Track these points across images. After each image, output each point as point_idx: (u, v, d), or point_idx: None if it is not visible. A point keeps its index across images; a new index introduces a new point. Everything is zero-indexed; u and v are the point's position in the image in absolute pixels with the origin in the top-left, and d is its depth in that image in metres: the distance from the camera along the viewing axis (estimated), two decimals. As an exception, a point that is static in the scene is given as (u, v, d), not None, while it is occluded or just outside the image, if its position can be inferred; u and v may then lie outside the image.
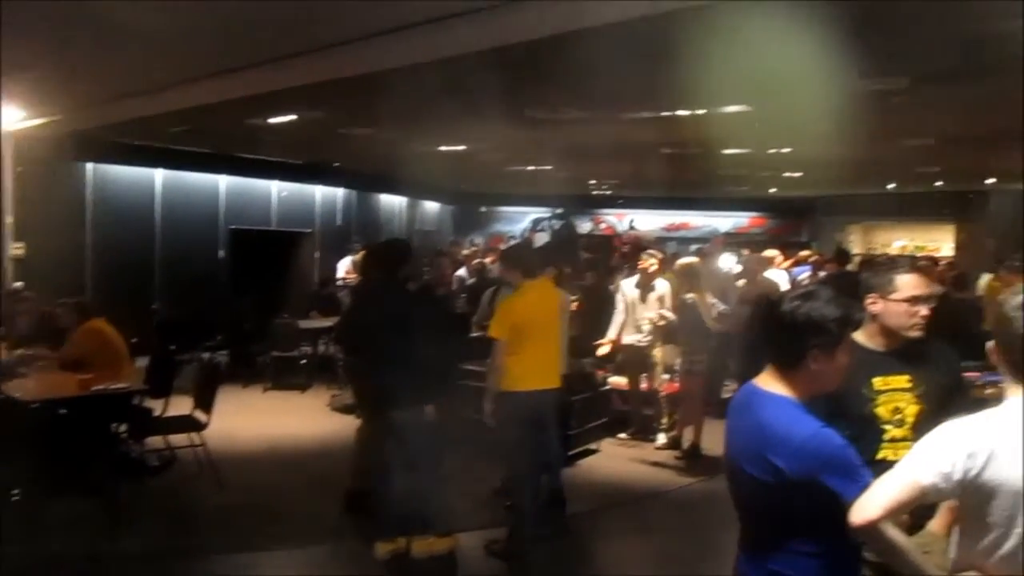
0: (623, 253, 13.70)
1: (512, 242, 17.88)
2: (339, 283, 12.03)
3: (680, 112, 7.47)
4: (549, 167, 13.23)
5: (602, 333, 7.80)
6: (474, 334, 7.36)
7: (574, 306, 7.62)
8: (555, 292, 5.30)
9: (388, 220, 16.72)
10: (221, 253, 12.00)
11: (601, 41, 4.63)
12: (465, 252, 13.99)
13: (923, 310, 2.60)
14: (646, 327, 7.35)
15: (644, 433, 7.60)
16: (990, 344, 1.95)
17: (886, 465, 2.02)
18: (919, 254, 15.93)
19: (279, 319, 10.03)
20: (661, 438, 7.44)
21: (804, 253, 11.75)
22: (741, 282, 8.62)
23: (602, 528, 5.65)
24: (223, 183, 12.07)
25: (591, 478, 6.57)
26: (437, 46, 4.96)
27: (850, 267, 10.22)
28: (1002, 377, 1.94)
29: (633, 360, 7.59)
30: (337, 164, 13.49)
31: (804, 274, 10.08)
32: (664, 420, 7.51)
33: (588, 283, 9.86)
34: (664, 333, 7.25)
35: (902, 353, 2.62)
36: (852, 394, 2.49)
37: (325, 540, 5.18)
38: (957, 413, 1.97)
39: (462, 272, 11.78)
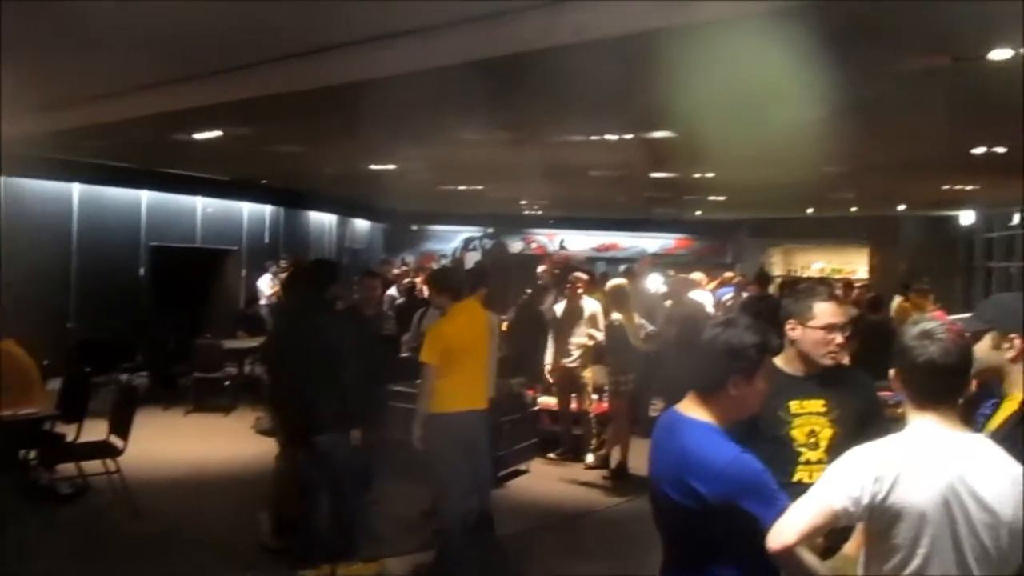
0: (552, 273, 13.81)
1: (443, 261, 17.89)
2: (264, 302, 11.79)
3: (608, 136, 7.61)
4: (480, 187, 13.29)
5: (532, 353, 7.84)
6: (404, 354, 7.32)
7: (504, 326, 7.66)
8: (484, 314, 5.32)
9: (317, 238, 16.49)
10: (142, 271, 11.61)
11: (530, 66, 4.70)
12: (396, 271, 13.88)
13: (838, 338, 2.71)
14: (575, 348, 7.43)
15: (574, 453, 7.65)
16: (892, 371, 2.05)
17: (802, 487, 2.08)
18: (836, 276, 16.56)
19: (202, 339, 9.76)
20: (590, 458, 7.50)
21: (728, 274, 12.07)
22: (668, 303, 8.80)
23: (531, 549, 5.64)
24: (145, 199, 11.71)
25: (520, 499, 6.57)
26: (369, 66, 4.95)
27: (771, 289, 10.54)
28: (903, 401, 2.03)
29: (563, 380, 7.65)
30: (265, 181, 13.26)
31: (727, 295, 10.35)
32: (593, 440, 7.58)
33: (518, 303, 9.90)
34: (593, 353, 7.34)
35: (818, 378, 2.72)
36: (769, 417, 2.57)
37: (247, 569, 5.02)
38: (872, 436, 2.05)
39: (392, 291, 11.68)
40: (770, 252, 19.23)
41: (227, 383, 9.57)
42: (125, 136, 7.94)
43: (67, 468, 5.91)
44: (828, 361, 2.70)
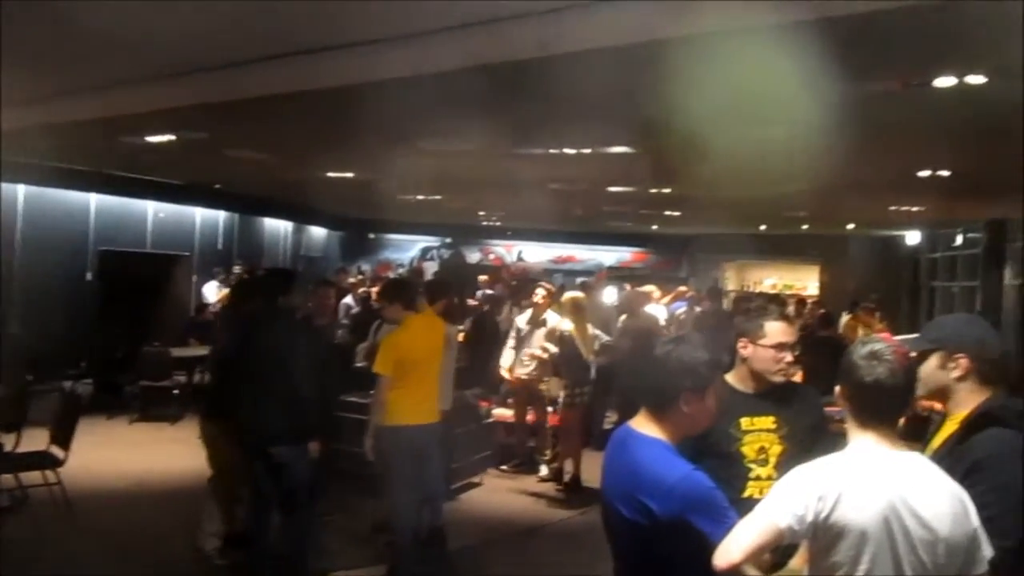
0: (509, 285, 13.83)
1: (400, 271, 17.80)
2: (213, 309, 11.58)
3: (567, 150, 7.67)
4: (439, 197, 13.27)
5: (488, 364, 7.83)
6: (359, 364, 7.24)
7: (460, 337, 7.63)
8: (439, 325, 5.29)
9: (272, 245, 16.28)
10: (89, 275, 11.32)
11: (492, 79, 4.72)
12: (352, 280, 13.76)
13: (788, 356, 2.76)
14: (528, 360, 7.43)
15: (528, 465, 7.65)
16: (838, 387, 2.09)
17: (752, 503, 2.11)
18: (788, 292, 16.89)
19: (150, 346, 9.54)
20: (543, 470, 7.51)
21: (681, 289, 12.21)
22: (622, 316, 8.88)
23: (484, 562, 5.62)
24: (94, 202, 11.44)
25: (473, 512, 6.54)
26: (326, 74, 4.92)
27: (724, 304, 10.71)
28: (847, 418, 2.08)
29: (520, 392, 7.65)
30: (219, 186, 13.05)
31: (681, 309, 10.47)
32: (547, 452, 7.59)
33: (475, 314, 9.90)
34: (547, 366, 7.34)
35: (768, 395, 2.77)
36: (720, 433, 2.61)
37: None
38: (820, 451, 2.10)
39: (349, 300, 11.57)
40: (724, 267, 19.54)
41: (175, 392, 9.36)
42: (74, 138, 7.76)
43: (5, 479, 5.71)
44: (779, 379, 2.76)
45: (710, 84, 4.53)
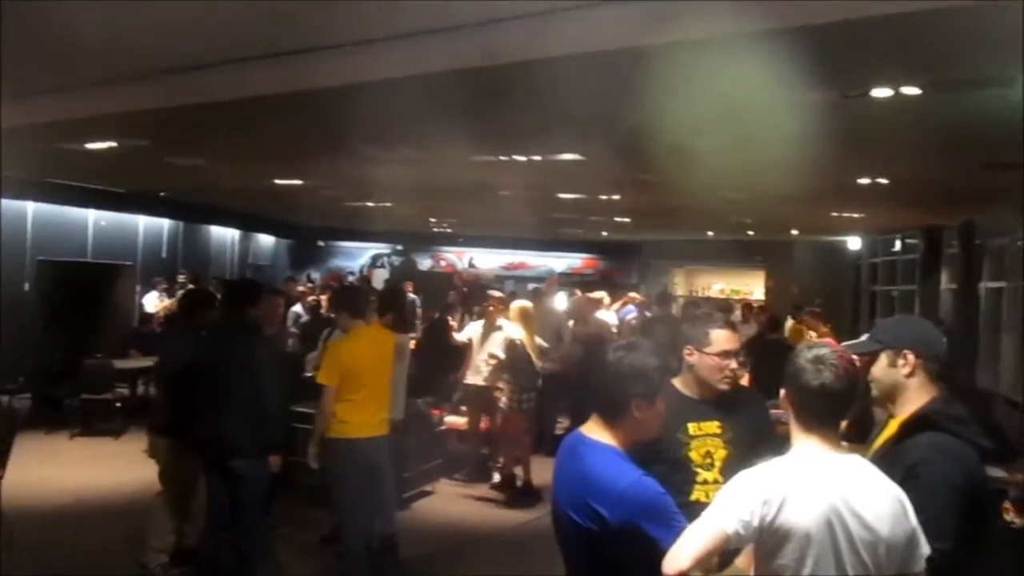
0: (461, 292, 13.83)
1: (350, 279, 17.63)
2: (158, 319, 11.32)
3: (517, 157, 7.70)
4: (389, 204, 13.19)
5: (440, 372, 7.80)
6: (308, 374, 7.14)
7: (412, 344, 7.60)
8: (388, 336, 5.25)
9: (219, 253, 15.99)
10: (27, 286, 10.96)
11: (441, 86, 4.71)
12: (300, 288, 13.58)
13: (732, 363, 2.81)
14: (483, 367, 7.43)
15: (481, 473, 7.63)
16: (783, 391, 2.14)
17: (699, 506, 2.15)
18: (736, 297, 17.19)
19: (91, 358, 9.27)
20: (496, 477, 7.50)
21: (632, 295, 12.34)
22: (571, 322, 8.93)
23: (436, 571, 5.60)
24: (31, 210, 11.09)
25: (426, 520, 6.51)
26: (271, 81, 4.86)
27: (673, 309, 10.85)
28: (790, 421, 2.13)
29: (474, 400, 7.64)
30: (163, 193, 12.77)
31: (631, 315, 10.57)
32: (500, 459, 7.59)
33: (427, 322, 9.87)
34: (498, 372, 7.34)
35: (714, 400, 2.82)
36: (668, 438, 2.64)
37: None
38: (764, 455, 2.14)
39: (298, 309, 11.42)
40: (673, 273, 19.81)
41: (118, 405, 9.11)
42: (10, 144, 7.51)
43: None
44: (723, 386, 2.81)
45: (657, 96, 4.60)
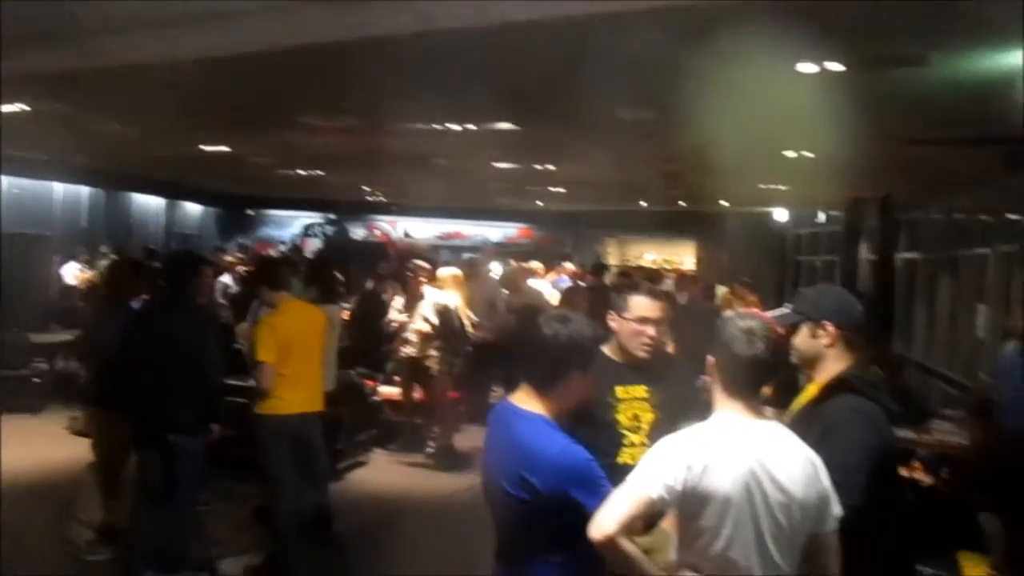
0: (394, 261, 13.69)
1: (281, 248, 17.28)
2: (80, 292, 10.92)
3: (452, 126, 7.63)
4: (321, 172, 12.94)
5: (374, 343, 7.74)
6: (238, 345, 7.00)
7: (345, 315, 7.52)
8: (317, 310, 5.18)
9: (142, 223, 15.46)
10: (-67, 257, 10.42)
11: (375, 53, 4.64)
12: (229, 258, 13.23)
13: (650, 330, 2.86)
14: (413, 337, 7.40)
15: (415, 443, 7.64)
16: (711, 359, 2.21)
17: (626, 469, 2.20)
18: (668, 267, 17.49)
19: (6, 332, 8.89)
20: (431, 446, 7.52)
21: (566, 264, 12.43)
22: (505, 291, 8.97)
23: (370, 542, 5.60)
24: (-64, 177, 10.53)
25: (360, 492, 6.50)
26: (195, 44, 4.69)
27: (606, 278, 10.98)
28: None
29: (406, 370, 7.62)
30: (82, 160, 12.24)
31: (564, 284, 10.66)
32: (436, 428, 7.60)
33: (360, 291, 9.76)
34: (428, 341, 7.32)
35: (641, 365, 2.89)
36: (598, 402, 2.70)
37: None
38: (690, 419, 2.21)
39: (226, 279, 11.15)
40: (606, 243, 20.03)
41: (36, 380, 8.78)
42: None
43: None
44: (641, 353, 2.86)
45: (591, 66, 4.62)
